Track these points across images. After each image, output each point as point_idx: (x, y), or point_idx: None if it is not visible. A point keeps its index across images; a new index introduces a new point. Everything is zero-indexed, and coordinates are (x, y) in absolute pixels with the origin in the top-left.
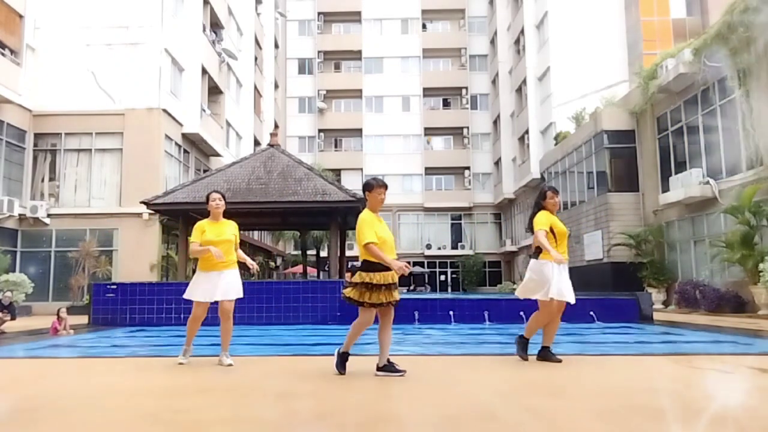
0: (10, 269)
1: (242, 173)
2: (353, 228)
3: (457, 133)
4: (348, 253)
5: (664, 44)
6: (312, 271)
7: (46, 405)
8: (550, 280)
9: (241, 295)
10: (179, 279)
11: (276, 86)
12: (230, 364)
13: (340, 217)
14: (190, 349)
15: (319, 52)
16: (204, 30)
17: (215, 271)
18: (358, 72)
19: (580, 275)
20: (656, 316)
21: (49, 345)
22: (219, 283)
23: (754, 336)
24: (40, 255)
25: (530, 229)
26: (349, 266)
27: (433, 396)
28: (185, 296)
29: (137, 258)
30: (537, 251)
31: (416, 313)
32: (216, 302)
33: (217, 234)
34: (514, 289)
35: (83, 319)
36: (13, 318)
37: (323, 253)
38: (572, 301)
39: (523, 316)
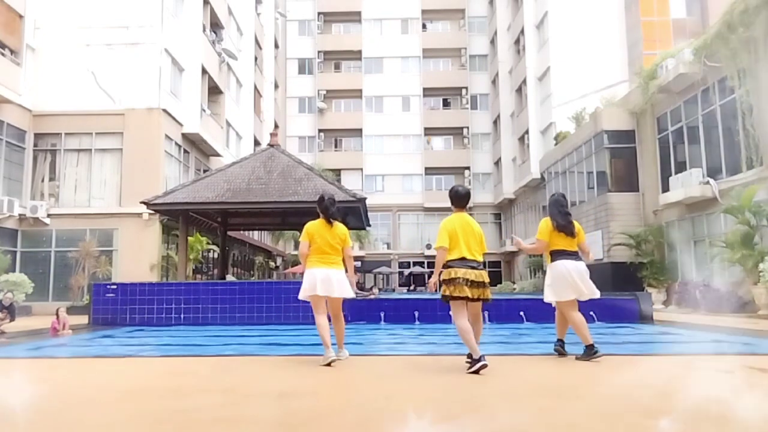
0: (10, 269)
1: (242, 173)
2: (353, 228)
3: (457, 133)
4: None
5: (664, 44)
6: None
7: (45, 405)
8: None
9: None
10: (179, 279)
11: (276, 86)
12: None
13: (340, 217)
14: None
15: (319, 52)
16: (204, 30)
17: None
18: (358, 72)
19: None
20: (656, 316)
21: (49, 345)
22: None
23: (754, 336)
24: (40, 255)
25: (573, 233)
26: None
27: (433, 396)
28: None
29: (137, 258)
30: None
31: (416, 313)
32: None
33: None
34: (515, 289)
35: (83, 319)
36: (12, 319)
37: None
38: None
39: (523, 316)
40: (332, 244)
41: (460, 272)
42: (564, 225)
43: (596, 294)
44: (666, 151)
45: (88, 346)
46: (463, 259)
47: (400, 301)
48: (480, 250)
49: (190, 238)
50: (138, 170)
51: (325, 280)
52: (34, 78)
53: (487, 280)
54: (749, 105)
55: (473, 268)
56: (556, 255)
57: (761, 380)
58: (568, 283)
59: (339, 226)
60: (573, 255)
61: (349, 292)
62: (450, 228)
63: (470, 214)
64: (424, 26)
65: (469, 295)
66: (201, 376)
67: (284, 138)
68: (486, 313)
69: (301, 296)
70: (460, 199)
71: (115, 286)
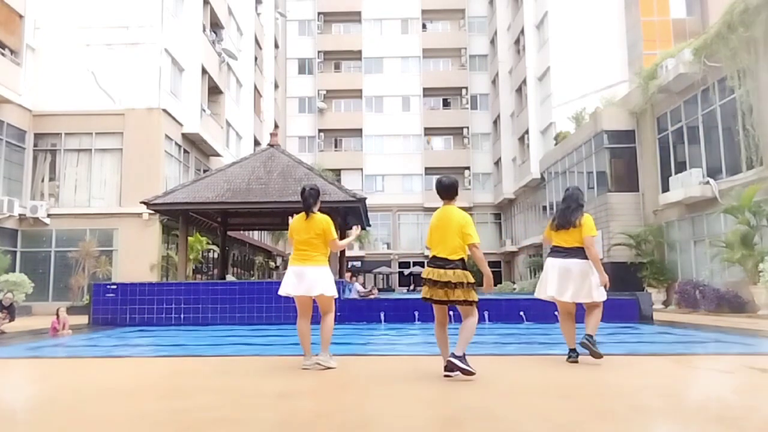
0: (10, 269)
1: (242, 173)
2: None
3: (457, 133)
4: (348, 253)
5: (664, 44)
6: None
7: (45, 405)
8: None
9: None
10: (179, 279)
11: (276, 86)
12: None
13: (340, 217)
14: None
15: (319, 52)
16: (204, 30)
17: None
18: (358, 72)
19: None
20: (656, 316)
21: (49, 345)
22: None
23: (754, 336)
24: (40, 255)
25: (572, 225)
26: (349, 266)
27: (433, 396)
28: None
29: (137, 258)
30: (583, 252)
31: (416, 313)
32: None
33: None
34: (515, 289)
35: (83, 319)
36: (12, 319)
37: None
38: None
39: (523, 316)
40: (307, 239)
41: (424, 272)
42: (559, 224)
43: (591, 298)
44: (666, 151)
45: (88, 346)
46: (433, 258)
47: (400, 301)
48: (455, 245)
49: (190, 238)
50: (138, 170)
51: (299, 278)
52: (34, 78)
53: (453, 279)
54: (749, 105)
55: (438, 267)
56: (549, 252)
57: (761, 380)
58: (545, 281)
59: (317, 219)
60: (565, 252)
61: (329, 290)
62: (430, 227)
63: (470, 214)
64: (424, 26)
65: (428, 296)
66: (201, 376)
67: (284, 138)
68: (486, 313)
69: (280, 292)
70: (445, 190)
71: (115, 286)
